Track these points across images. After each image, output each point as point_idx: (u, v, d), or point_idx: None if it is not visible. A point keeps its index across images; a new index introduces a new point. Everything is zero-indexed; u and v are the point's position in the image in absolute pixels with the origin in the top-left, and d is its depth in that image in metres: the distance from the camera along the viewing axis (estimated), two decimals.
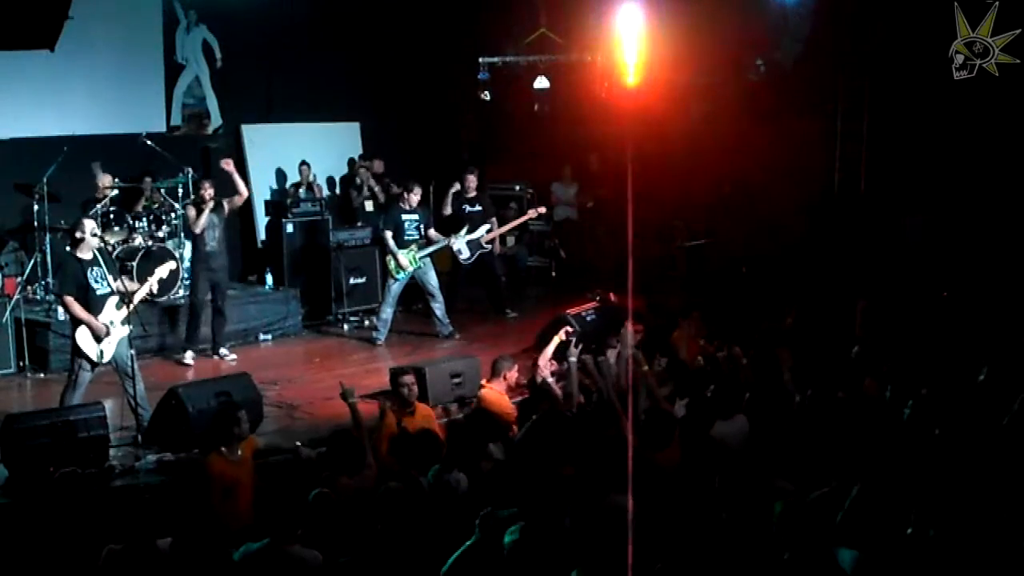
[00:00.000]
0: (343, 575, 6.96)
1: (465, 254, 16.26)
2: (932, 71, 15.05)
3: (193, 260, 14.77)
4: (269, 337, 15.97)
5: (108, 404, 11.36)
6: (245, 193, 14.87)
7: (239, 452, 9.42)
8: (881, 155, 17.04)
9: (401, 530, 7.48)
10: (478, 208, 16.49)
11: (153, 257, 14.70)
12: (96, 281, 11.22)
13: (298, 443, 10.82)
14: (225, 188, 14.71)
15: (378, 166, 18.88)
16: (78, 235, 11.28)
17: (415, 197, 15.72)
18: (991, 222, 15.64)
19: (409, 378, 10.72)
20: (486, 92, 17.43)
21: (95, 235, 11.28)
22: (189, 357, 14.38)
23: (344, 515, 7.85)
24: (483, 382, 11.64)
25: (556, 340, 11.89)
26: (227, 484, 9.18)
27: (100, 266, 11.28)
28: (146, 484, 10.23)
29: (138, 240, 15.28)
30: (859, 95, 17.16)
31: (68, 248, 11.66)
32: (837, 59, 17.10)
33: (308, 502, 7.70)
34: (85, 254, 11.26)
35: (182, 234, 15.86)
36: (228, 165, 14.60)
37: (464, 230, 16.16)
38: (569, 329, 12.26)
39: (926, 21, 15.13)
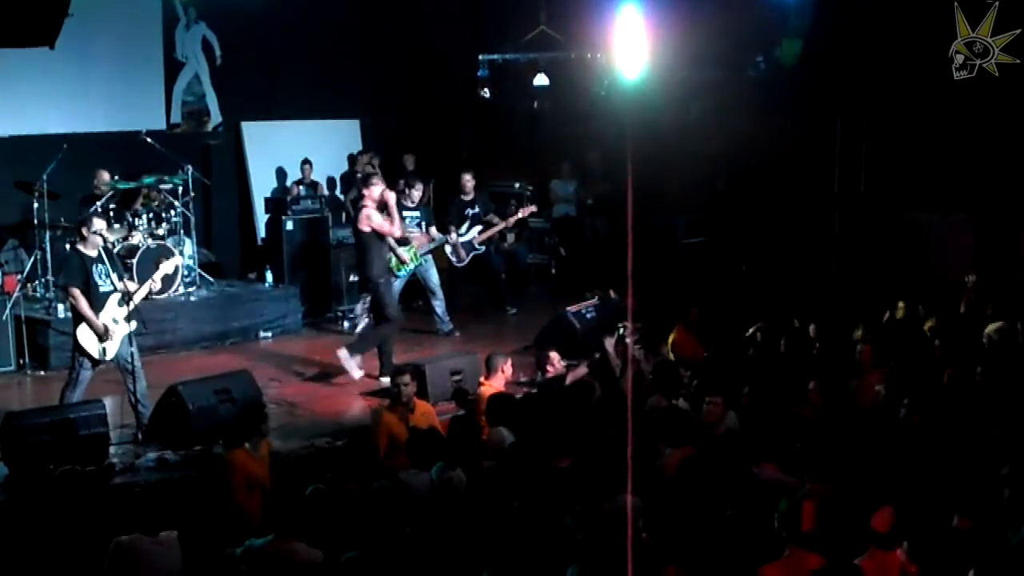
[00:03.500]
0: (344, 573, 6.96)
1: (455, 258, 16.23)
2: (932, 71, 15.04)
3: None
4: (269, 334, 15.96)
5: (108, 401, 11.37)
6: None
7: (260, 449, 9.50)
8: (881, 153, 17.04)
9: (394, 528, 7.51)
10: (477, 209, 16.45)
11: (153, 254, 14.69)
12: (100, 278, 11.20)
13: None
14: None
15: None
16: (85, 231, 11.27)
17: (416, 193, 15.72)
18: (990, 218, 15.66)
19: (405, 377, 10.70)
20: (486, 89, 17.40)
21: (98, 233, 11.25)
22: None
23: (343, 513, 7.87)
24: (481, 379, 11.65)
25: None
26: (250, 479, 9.25)
27: (104, 263, 11.26)
28: (146, 482, 10.24)
29: (137, 238, 15.25)
30: (859, 93, 17.16)
31: (74, 243, 11.65)
32: (837, 57, 17.10)
33: (305, 498, 7.71)
34: (90, 251, 11.24)
35: (181, 231, 15.86)
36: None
37: (464, 227, 16.15)
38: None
39: (926, 21, 15.10)
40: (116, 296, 11.25)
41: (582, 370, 12.32)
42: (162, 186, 15.90)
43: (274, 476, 9.52)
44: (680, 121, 18.00)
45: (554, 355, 12.38)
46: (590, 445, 8.62)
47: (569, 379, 12.08)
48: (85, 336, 11.13)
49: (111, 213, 15.10)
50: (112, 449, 10.84)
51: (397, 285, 15.59)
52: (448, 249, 16.17)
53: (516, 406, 10.36)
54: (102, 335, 11.12)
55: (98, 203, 15.01)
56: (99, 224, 11.36)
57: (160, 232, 15.58)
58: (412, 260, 15.45)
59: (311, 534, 7.45)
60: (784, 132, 17.21)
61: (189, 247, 15.94)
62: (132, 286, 11.55)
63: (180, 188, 16.02)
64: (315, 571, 7.26)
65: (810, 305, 14.15)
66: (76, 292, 11.12)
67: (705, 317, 13.87)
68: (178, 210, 15.90)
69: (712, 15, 16.91)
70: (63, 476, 9.43)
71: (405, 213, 15.57)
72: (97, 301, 11.15)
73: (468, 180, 16.57)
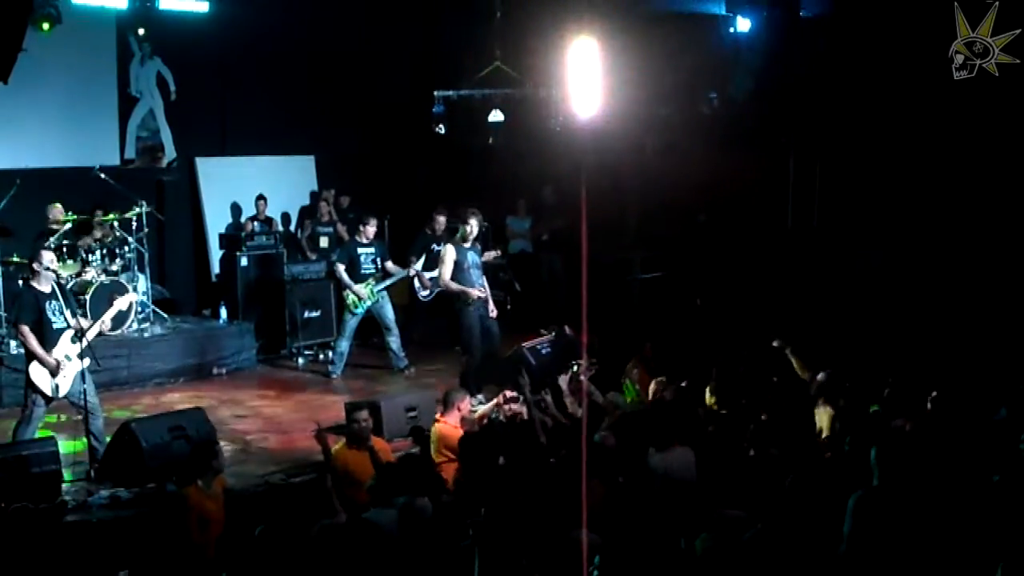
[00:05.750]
0: None
1: (424, 292, 16.24)
2: (931, 72, 15.01)
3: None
4: (224, 371, 15.90)
5: (61, 438, 11.28)
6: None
7: (213, 486, 9.43)
8: (834, 188, 17.16)
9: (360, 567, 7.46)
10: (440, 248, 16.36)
11: (106, 290, 14.63)
12: (53, 314, 11.15)
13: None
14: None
15: (344, 202, 18.88)
16: (36, 267, 11.23)
17: (371, 229, 15.71)
18: (938, 254, 15.75)
19: (363, 413, 10.65)
20: (441, 125, 17.42)
21: (48, 268, 11.20)
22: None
23: (298, 552, 7.81)
24: (437, 415, 11.61)
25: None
26: (204, 516, 9.17)
27: (58, 300, 11.21)
28: (99, 520, 10.16)
29: (91, 274, 15.17)
30: (811, 127, 17.29)
31: (27, 279, 11.61)
32: (789, 92, 17.23)
33: (255, 537, 7.65)
34: (43, 287, 11.20)
35: (135, 267, 15.79)
36: None
37: (421, 263, 16.11)
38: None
39: (926, 21, 15.08)
40: (69, 332, 11.20)
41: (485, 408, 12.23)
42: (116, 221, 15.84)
43: (228, 513, 9.46)
44: (634, 157, 18.11)
45: (505, 397, 12.17)
46: (540, 480, 8.60)
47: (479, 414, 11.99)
48: (38, 373, 11.06)
49: (64, 249, 15.02)
50: (65, 486, 10.74)
51: (353, 322, 15.61)
52: (415, 283, 16.17)
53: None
54: (54, 371, 11.06)
55: (51, 239, 14.92)
56: (48, 258, 11.30)
57: (114, 268, 15.50)
58: (369, 296, 15.46)
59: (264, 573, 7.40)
60: (737, 167, 17.31)
61: (143, 283, 15.87)
62: (85, 323, 11.49)
63: (134, 224, 15.95)
64: None
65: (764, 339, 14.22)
66: (25, 329, 11.07)
67: (660, 352, 13.89)
68: (132, 246, 15.83)
69: (665, 52, 17.03)
70: (15, 514, 9.36)
71: (360, 250, 15.58)
72: (50, 337, 11.09)
73: (441, 221, 16.53)
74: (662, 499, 8.27)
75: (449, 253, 14.14)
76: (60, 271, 11.90)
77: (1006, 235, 15.27)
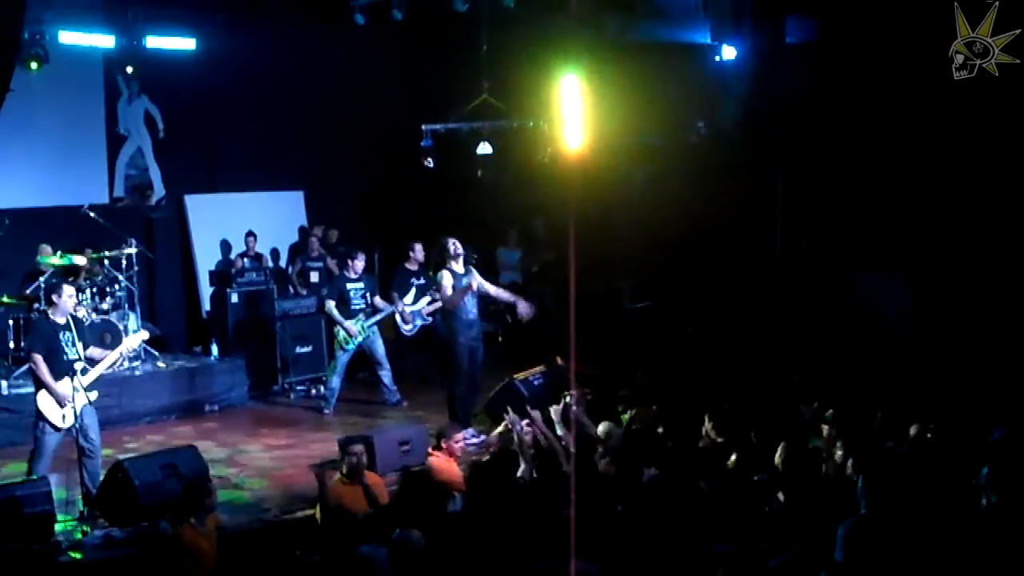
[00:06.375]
0: None
1: (406, 327, 16.19)
2: (931, 72, 15.03)
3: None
4: (216, 408, 15.86)
5: (54, 478, 11.23)
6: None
7: (207, 524, 9.39)
8: (823, 214, 17.17)
9: None
10: (423, 280, 16.30)
11: (97, 329, 14.62)
12: (67, 346, 11.22)
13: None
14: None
15: (333, 236, 18.88)
16: (55, 298, 11.36)
17: (359, 263, 15.72)
18: (930, 276, 15.74)
19: (357, 448, 10.63)
20: (429, 159, 17.44)
21: (66, 300, 11.31)
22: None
23: None
24: (430, 450, 11.58)
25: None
26: (197, 555, 9.13)
27: (71, 332, 11.28)
28: (93, 560, 10.11)
29: (81, 312, 15.10)
30: (799, 152, 17.31)
31: (44, 311, 11.67)
32: (777, 118, 17.25)
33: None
34: (59, 318, 11.31)
35: (126, 305, 15.77)
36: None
37: (410, 297, 16.10)
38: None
39: (926, 21, 15.10)
40: (80, 364, 11.23)
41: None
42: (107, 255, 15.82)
43: (221, 551, 9.42)
44: (623, 187, 18.12)
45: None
46: (535, 512, 8.56)
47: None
48: (46, 403, 11.09)
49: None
50: (58, 527, 10.69)
51: (345, 357, 15.58)
52: (397, 319, 16.14)
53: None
54: (60, 401, 11.06)
55: (41, 279, 14.90)
56: (68, 292, 11.46)
57: (104, 306, 15.49)
58: (360, 332, 15.46)
59: None
60: (727, 195, 17.31)
61: (133, 321, 15.83)
62: (98, 353, 11.52)
63: (124, 262, 15.93)
64: None
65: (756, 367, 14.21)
66: (38, 358, 11.14)
67: (651, 381, 13.87)
68: (122, 284, 15.82)
69: (651, 82, 17.06)
70: (7, 556, 9.30)
71: (349, 285, 15.58)
72: (62, 369, 11.13)
73: (420, 251, 16.45)
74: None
75: (447, 278, 14.12)
76: (67, 304, 11.86)
77: (1003, 246, 15.26)
